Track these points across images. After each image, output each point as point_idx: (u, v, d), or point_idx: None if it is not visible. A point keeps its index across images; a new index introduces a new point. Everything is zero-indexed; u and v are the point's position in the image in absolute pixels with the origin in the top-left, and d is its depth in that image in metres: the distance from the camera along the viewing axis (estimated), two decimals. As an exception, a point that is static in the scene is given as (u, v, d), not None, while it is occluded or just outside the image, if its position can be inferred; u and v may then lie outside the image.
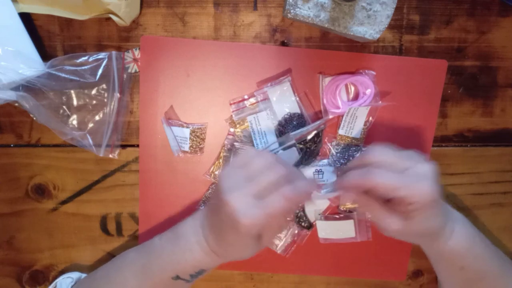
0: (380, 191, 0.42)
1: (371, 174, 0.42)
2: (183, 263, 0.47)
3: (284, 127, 0.53)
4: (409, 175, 0.42)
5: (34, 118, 0.53)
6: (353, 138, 0.54)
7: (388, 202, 0.44)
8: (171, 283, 0.49)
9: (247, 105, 0.54)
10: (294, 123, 0.53)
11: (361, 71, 0.54)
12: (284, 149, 0.52)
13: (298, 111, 0.54)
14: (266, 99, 0.54)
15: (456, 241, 0.48)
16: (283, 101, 0.54)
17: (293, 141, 0.52)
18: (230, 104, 0.54)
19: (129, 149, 0.57)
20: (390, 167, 0.43)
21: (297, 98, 0.54)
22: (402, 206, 0.43)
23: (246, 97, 0.54)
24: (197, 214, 0.49)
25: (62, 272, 0.59)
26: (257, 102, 0.54)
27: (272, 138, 0.54)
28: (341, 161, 0.55)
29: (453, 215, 0.49)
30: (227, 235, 0.44)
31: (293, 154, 0.53)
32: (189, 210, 0.57)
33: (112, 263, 0.52)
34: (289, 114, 0.54)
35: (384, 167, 0.43)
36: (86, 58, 0.53)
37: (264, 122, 0.53)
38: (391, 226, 0.44)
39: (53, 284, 0.57)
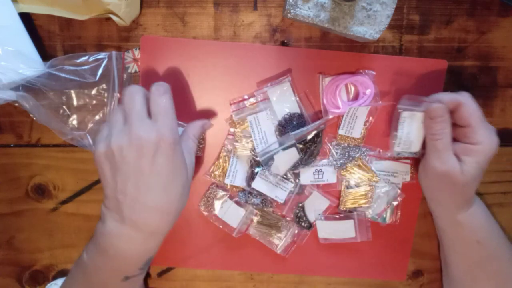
0: (465, 112, 0.46)
1: (467, 95, 0.47)
2: (124, 266, 0.45)
3: (284, 127, 0.53)
4: (485, 123, 0.47)
5: (34, 118, 0.53)
6: (353, 138, 0.54)
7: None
8: (125, 285, 0.47)
9: (247, 105, 0.54)
10: (294, 123, 0.53)
11: (361, 71, 0.54)
12: (284, 149, 0.52)
13: (298, 111, 0.54)
14: (266, 99, 0.54)
15: (474, 215, 0.50)
16: (283, 101, 0.54)
17: (293, 141, 0.52)
18: (230, 104, 0.55)
19: (129, 149, 0.57)
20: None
21: (297, 98, 0.54)
22: (463, 145, 0.47)
23: (246, 97, 0.54)
24: (106, 220, 0.44)
25: (62, 272, 0.59)
26: (257, 102, 0.54)
27: (272, 138, 0.54)
28: (341, 161, 0.55)
29: (475, 195, 0.51)
30: (159, 177, 0.41)
31: (293, 154, 0.53)
32: (189, 210, 0.57)
33: (63, 285, 0.51)
34: (289, 114, 0.54)
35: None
36: (86, 58, 0.53)
37: (264, 122, 0.53)
38: (445, 160, 0.46)
39: None
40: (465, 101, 0.46)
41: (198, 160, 0.56)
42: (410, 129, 0.50)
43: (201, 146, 0.55)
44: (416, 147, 0.51)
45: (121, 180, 0.42)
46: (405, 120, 0.50)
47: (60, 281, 0.57)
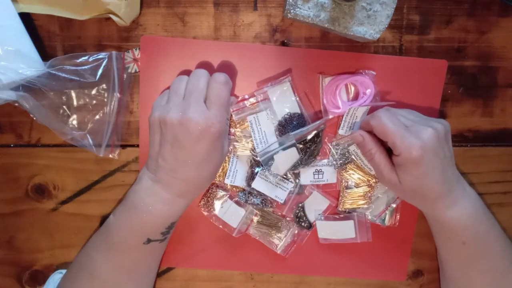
0: (377, 130, 0.47)
1: (377, 113, 0.47)
2: (148, 226, 0.49)
3: (284, 127, 0.53)
4: (408, 129, 0.46)
5: (34, 118, 0.53)
6: (353, 138, 0.54)
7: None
8: (145, 248, 0.50)
9: (247, 105, 0.54)
10: (294, 123, 0.53)
11: (361, 71, 0.54)
12: (284, 149, 0.52)
13: (298, 111, 0.54)
14: (266, 99, 0.54)
15: (458, 213, 0.49)
16: (283, 101, 0.54)
17: (293, 141, 0.52)
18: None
19: (129, 149, 0.57)
20: (400, 117, 0.47)
21: (297, 98, 0.54)
22: (394, 158, 0.47)
23: (246, 97, 0.54)
24: (142, 178, 0.49)
25: (63, 272, 0.59)
26: (257, 102, 0.54)
27: (272, 138, 0.54)
28: (341, 161, 0.55)
29: (465, 190, 0.50)
30: (197, 156, 0.46)
31: (293, 154, 0.53)
32: (189, 210, 0.57)
33: (81, 250, 0.54)
34: (289, 114, 0.54)
35: (394, 115, 0.47)
36: (86, 58, 0.53)
37: (264, 122, 0.53)
38: (384, 174, 0.48)
39: (47, 281, 0.57)
40: (374, 122, 0.47)
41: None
42: (360, 157, 0.54)
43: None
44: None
45: (164, 148, 0.47)
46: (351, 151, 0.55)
47: (65, 271, 0.57)
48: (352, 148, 0.54)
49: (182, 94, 0.48)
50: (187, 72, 0.54)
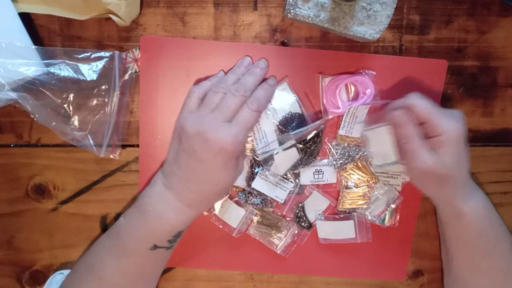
0: (419, 109, 0.46)
1: (415, 95, 0.47)
2: (156, 232, 0.49)
3: (285, 126, 0.53)
4: (444, 112, 0.47)
5: (35, 119, 0.53)
6: (353, 138, 0.54)
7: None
8: (151, 254, 0.50)
9: None
10: (294, 123, 0.53)
11: (361, 71, 0.54)
12: (284, 149, 0.52)
13: (298, 111, 0.54)
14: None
15: (476, 205, 0.50)
16: (283, 101, 0.54)
17: (293, 141, 0.52)
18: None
19: (129, 149, 0.57)
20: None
21: (297, 98, 0.54)
22: (431, 140, 0.47)
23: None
24: (156, 182, 0.50)
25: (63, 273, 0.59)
26: None
27: (272, 138, 0.54)
28: (341, 161, 0.55)
29: (475, 186, 0.52)
30: (210, 170, 0.46)
31: (293, 154, 0.53)
32: (189, 210, 0.57)
33: (89, 251, 0.54)
34: (289, 113, 0.54)
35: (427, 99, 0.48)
36: (88, 54, 0.53)
37: (264, 122, 0.53)
38: (420, 157, 0.47)
39: (47, 282, 0.57)
40: (414, 101, 0.47)
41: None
42: (378, 144, 0.53)
43: None
44: (392, 158, 0.52)
45: (181, 156, 0.47)
46: (369, 139, 0.53)
47: (66, 271, 0.57)
48: (354, 150, 0.54)
49: (213, 105, 0.48)
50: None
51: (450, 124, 0.46)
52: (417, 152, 0.47)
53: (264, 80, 0.52)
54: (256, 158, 0.54)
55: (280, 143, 0.53)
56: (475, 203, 0.50)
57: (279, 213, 0.57)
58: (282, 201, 0.55)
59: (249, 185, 0.55)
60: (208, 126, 0.45)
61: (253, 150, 0.54)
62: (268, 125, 0.54)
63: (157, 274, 0.55)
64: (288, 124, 0.53)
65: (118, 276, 0.50)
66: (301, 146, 0.53)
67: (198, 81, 0.54)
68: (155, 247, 0.49)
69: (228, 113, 0.47)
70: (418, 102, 0.47)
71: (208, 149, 0.45)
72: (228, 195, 0.56)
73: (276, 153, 0.52)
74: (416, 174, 0.49)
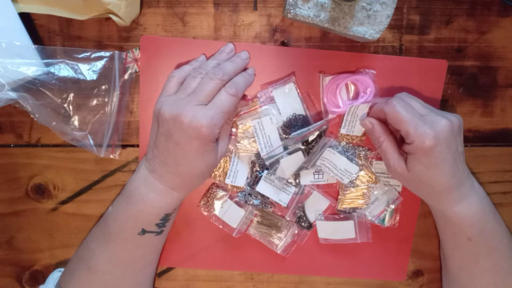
0: (390, 118, 0.46)
1: (391, 101, 0.46)
2: (142, 215, 0.49)
3: (289, 127, 0.53)
4: (422, 118, 0.45)
5: (35, 119, 0.53)
6: (355, 136, 0.54)
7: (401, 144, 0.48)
8: (141, 240, 0.50)
9: (251, 109, 0.54)
10: (299, 124, 0.53)
11: (361, 70, 0.54)
12: (290, 153, 0.52)
13: (303, 112, 0.54)
14: (270, 100, 0.54)
15: (466, 209, 0.49)
16: (288, 101, 0.54)
17: (300, 145, 0.52)
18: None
19: (129, 149, 0.57)
20: (414, 106, 0.47)
21: (301, 99, 0.54)
22: (406, 146, 0.46)
23: (248, 97, 0.54)
24: (140, 167, 0.50)
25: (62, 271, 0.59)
26: (261, 106, 0.53)
27: (276, 142, 0.53)
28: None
29: (473, 186, 0.50)
30: (187, 153, 0.46)
31: (299, 158, 0.53)
32: (189, 210, 0.57)
33: (81, 244, 0.54)
34: (294, 115, 0.54)
35: (409, 103, 0.47)
36: (88, 54, 0.53)
37: (268, 127, 0.53)
38: (391, 162, 0.48)
39: (46, 280, 0.57)
40: (388, 109, 0.46)
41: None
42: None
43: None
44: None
45: (160, 139, 0.47)
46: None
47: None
48: (321, 161, 0.53)
49: (190, 89, 0.48)
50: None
51: (423, 132, 0.44)
52: (388, 156, 0.48)
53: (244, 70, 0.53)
54: (261, 162, 0.54)
55: (285, 148, 0.53)
56: (466, 207, 0.49)
57: (279, 213, 0.56)
58: (285, 205, 0.55)
59: (252, 188, 0.55)
60: (183, 109, 0.45)
61: (257, 155, 0.54)
62: (272, 130, 0.53)
63: (150, 263, 0.54)
64: (293, 125, 0.53)
65: (106, 264, 0.51)
66: (303, 147, 0.53)
67: (179, 66, 0.53)
68: (144, 231, 0.50)
69: (204, 96, 0.46)
70: (392, 110, 0.46)
71: (183, 132, 0.45)
72: (228, 196, 0.56)
73: (282, 157, 0.52)
74: (392, 175, 0.50)
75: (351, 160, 0.53)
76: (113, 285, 0.51)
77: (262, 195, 0.55)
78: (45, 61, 0.52)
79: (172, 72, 0.51)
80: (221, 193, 0.56)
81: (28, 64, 0.50)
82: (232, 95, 0.47)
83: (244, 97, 0.54)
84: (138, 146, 0.56)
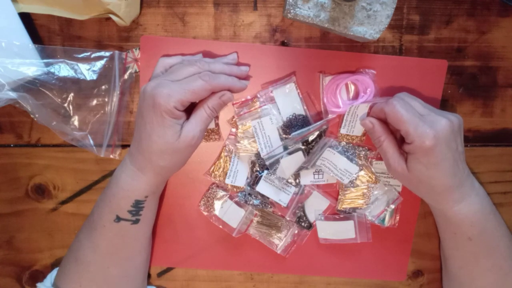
0: (390, 118, 0.46)
1: (392, 100, 0.46)
2: (115, 200, 0.49)
3: (289, 127, 0.53)
4: (422, 118, 0.45)
5: (35, 119, 0.53)
6: (355, 136, 0.54)
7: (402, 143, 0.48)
8: (118, 228, 0.50)
9: (251, 109, 0.54)
10: (299, 124, 0.53)
11: (361, 70, 0.54)
12: (290, 153, 0.52)
13: (303, 112, 0.54)
14: (271, 100, 0.54)
15: (466, 209, 0.49)
16: (288, 101, 0.54)
17: (299, 145, 0.52)
18: (233, 104, 0.54)
19: (129, 149, 0.56)
20: (415, 106, 0.47)
21: (301, 99, 0.54)
22: (406, 146, 0.46)
23: (249, 97, 0.54)
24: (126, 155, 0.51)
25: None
26: (261, 106, 0.53)
27: (276, 142, 0.53)
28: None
29: (473, 186, 0.50)
30: (146, 125, 0.46)
31: (299, 158, 0.53)
32: (189, 210, 0.57)
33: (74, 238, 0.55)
34: (293, 115, 0.54)
35: (409, 103, 0.47)
36: (88, 54, 0.53)
37: (268, 127, 0.53)
38: (391, 162, 0.48)
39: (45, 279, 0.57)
40: (388, 109, 0.46)
41: (198, 160, 0.56)
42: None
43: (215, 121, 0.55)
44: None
45: (136, 118, 0.49)
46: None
47: None
48: (321, 161, 0.53)
49: (177, 79, 0.47)
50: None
51: (423, 131, 0.44)
52: (388, 156, 0.48)
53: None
54: (261, 163, 0.54)
55: (285, 148, 0.53)
56: (466, 207, 0.49)
57: (279, 213, 0.56)
58: (285, 205, 0.55)
59: (252, 188, 0.55)
60: (152, 82, 0.46)
61: (257, 154, 0.54)
62: (272, 130, 0.53)
63: (134, 256, 0.53)
64: (294, 125, 0.53)
65: (90, 253, 0.51)
66: (303, 147, 0.53)
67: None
68: (118, 218, 0.50)
69: (176, 75, 0.47)
70: (392, 110, 0.46)
71: (145, 101, 0.46)
72: (228, 196, 0.56)
73: (282, 157, 0.52)
74: (392, 175, 0.51)
75: (351, 160, 0.53)
76: (99, 276, 0.51)
77: (262, 195, 0.55)
78: (45, 61, 0.52)
79: (160, 58, 0.51)
80: (221, 193, 0.56)
81: (28, 64, 0.50)
82: (203, 80, 0.46)
83: (245, 101, 0.54)
84: (138, 146, 0.56)
